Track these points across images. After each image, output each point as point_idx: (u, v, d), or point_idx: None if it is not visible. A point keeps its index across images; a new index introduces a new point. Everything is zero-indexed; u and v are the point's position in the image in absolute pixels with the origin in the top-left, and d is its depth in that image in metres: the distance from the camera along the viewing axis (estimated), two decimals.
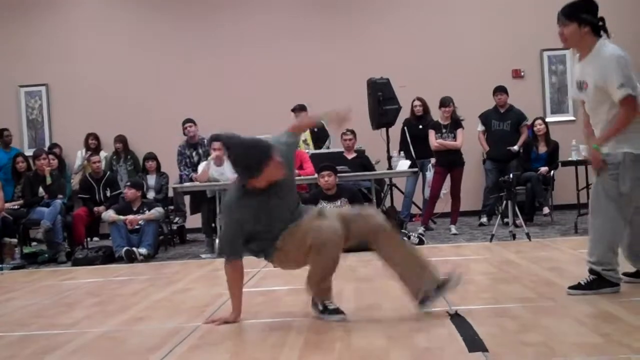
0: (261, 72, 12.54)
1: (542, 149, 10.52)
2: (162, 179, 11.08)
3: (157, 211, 9.40)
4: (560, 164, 10.39)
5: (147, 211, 9.36)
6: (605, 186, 4.73)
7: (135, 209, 9.41)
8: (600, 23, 4.78)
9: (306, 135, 10.89)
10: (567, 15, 4.82)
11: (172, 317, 5.09)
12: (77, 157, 12.24)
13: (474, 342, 3.72)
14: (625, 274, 5.08)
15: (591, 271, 4.81)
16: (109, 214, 9.29)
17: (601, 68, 4.68)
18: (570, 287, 4.85)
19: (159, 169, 11.25)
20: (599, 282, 4.76)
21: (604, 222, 4.76)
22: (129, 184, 9.77)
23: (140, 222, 9.23)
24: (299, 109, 10.73)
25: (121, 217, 9.22)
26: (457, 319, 4.28)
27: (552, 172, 10.37)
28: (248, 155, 4.36)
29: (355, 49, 12.46)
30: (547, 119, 11.35)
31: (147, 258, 8.98)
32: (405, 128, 10.74)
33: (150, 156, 11.25)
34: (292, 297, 5.56)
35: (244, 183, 4.46)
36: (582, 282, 4.82)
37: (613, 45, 4.75)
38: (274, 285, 6.40)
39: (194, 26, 12.86)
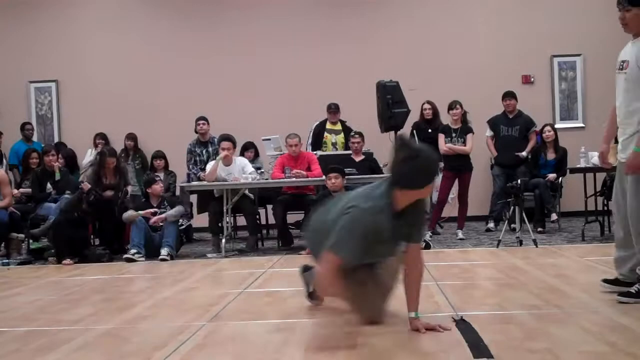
0: (270, 73, 12.56)
1: (551, 155, 10.49)
2: (170, 178, 11.09)
3: (178, 209, 9.22)
4: (568, 170, 10.36)
5: (168, 207, 9.24)
6: None
7: (155, 205, 9.29)
8: None
9: (338, 138, 11.00)
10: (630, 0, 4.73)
11: (177, 316, 5.09)
12: (86, 154, 12.23)
13: (479, 348, 3.71)
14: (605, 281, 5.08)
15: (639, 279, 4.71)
16: (129, 213, 9.10)
17: None
18: (621, 294, 4.72)
19: (167, 167, 11.27)
20: None
21: None
22: (159, 177, 10.00)
23: (164, 219, 9.06)
24: (334, 108, 11.05)
25: (140, 212, 9.03)
26: (462, 324, 4.26)
27: (560, 178, 10.34)
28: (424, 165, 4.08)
29: (365, 52, 12.46)
30: (556, 126, 11.33)
31: (169, 259, 8.76)
32: (414, 131, 10.73)
33: (159, 154, 11.28)
34: (297, 298, 5.55)
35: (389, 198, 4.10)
36: (634, 290, 4.70)
37: None
38: (279, 286, 6.40)
39: (204, 25, 12.88)
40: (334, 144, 11.04)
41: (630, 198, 4.71)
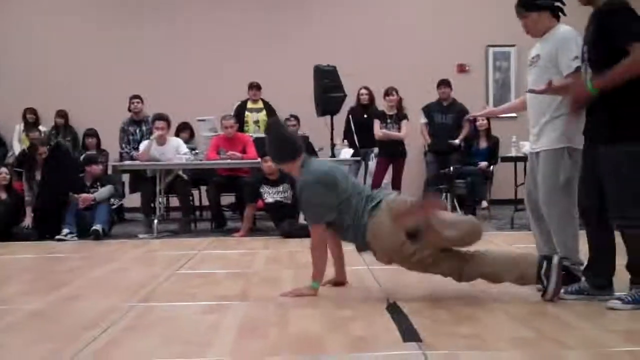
0: (207, 54, 12.44)
1: (483, 143, 10.64)
2: (102, 156, 10.90)
3: (108, 189, 9.20)
4: (500, 159, 10.53)
5: (99, 186, 9.18)
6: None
7: (89, 183, 9.21)
8: (557, 3, 4.83)
9: (260, 117, 10.93)
10: (525, 6, 4.87)
11: (108, 296, 5.04)
12: (14, 131, 11.96)
13: (408, 332, 3.77)
14: None
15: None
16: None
17: (556, 42, 4.76)
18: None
19: (99, 145, 11.10)
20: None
21: None
22: (90, 161, 9.53)
23: (92, 200, 9.01)
24: (256, 87, 10.94)
25: (74, 195, 8.98)
26: (393, 309, 4.32)
27: (491, 167, 10.51)
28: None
29: (303, 36, 12.45)
30: None
31: (102, 236, 8.69)
32: (350, 116, 10.77)
33: (91, 132, 11.11)
34: (230, 280, 5.56)
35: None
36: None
37: (569, 27, 4.80)
38: (211, 268, 6.38)
39: (139, 2, 12.69)
40: (256, 122, 10.93)
41: (542, 182, 4.79)
